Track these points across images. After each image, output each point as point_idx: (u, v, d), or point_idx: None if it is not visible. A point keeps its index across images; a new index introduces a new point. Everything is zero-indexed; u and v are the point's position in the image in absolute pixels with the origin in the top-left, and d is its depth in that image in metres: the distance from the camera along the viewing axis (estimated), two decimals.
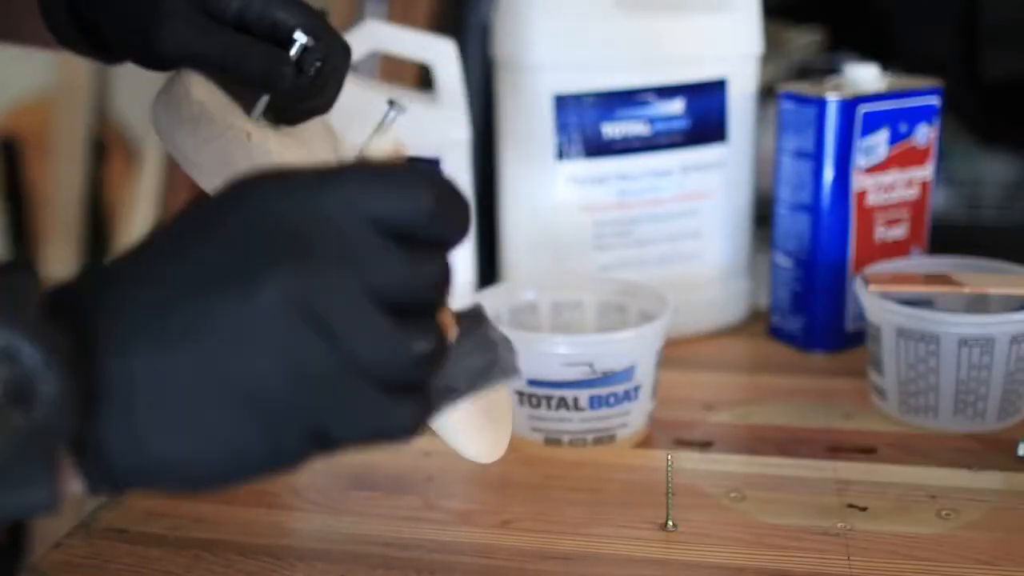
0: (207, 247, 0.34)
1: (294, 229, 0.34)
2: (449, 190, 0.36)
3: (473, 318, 0.46)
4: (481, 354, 0.45)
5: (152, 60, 0.55)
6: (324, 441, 0.34)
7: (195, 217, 0.35)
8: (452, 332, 0.44)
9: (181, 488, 0.36)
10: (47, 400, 0.31)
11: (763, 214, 0.89)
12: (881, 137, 0.80)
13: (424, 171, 0.36)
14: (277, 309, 0.33)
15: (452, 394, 0.42)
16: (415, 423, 0.35)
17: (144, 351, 0.33)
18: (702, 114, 0.83)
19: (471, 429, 0.49)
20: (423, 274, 0.35)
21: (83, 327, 0.33)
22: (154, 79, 0.56)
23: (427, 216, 0.35)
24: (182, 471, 0.34)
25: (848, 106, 0.79)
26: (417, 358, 0.34)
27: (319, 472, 0.68)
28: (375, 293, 0.34)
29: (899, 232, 0.84)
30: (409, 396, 0.35)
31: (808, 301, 0.83)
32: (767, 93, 0.94)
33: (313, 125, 0.58)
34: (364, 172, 0.35)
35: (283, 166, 0.36)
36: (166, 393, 0.33)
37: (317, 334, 0.33)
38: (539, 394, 0.67)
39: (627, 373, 0.67)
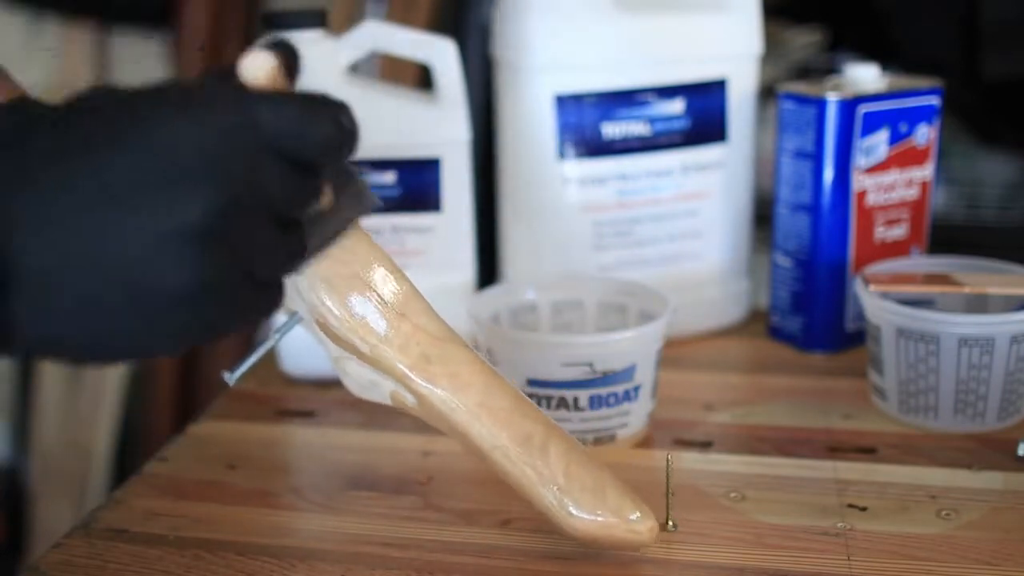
0: (121, 160, 0.36)
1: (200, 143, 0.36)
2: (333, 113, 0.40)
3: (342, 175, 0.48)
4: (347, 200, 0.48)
5: None
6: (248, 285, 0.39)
7: (106, 125, 0.37)
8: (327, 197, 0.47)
9: (92, 358, 0.39)
10: None
11: (763, 214, 0.89)
12: (881, 137, 0.80)
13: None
14: (196, 220, 0.36)
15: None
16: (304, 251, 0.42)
17: (58, 241, 0.36)
18: (702, 114, 0.83)
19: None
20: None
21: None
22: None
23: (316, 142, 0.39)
24: (91, 345, 0.38)
25: (848, 106, 0.79)
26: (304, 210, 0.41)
27: (319, 472, 0.69)
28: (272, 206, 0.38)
29: (899, 232, 0.84)
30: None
31: (808, 301, 0.83)
32: (767, 93, 0.94)
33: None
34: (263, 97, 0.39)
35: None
36: (81, 277, 0.36)
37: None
38: (539, 394, 0.67)
39: (627, 373, 0.67)
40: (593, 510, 0.54)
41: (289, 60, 0.41)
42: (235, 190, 0.36)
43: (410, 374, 0.53)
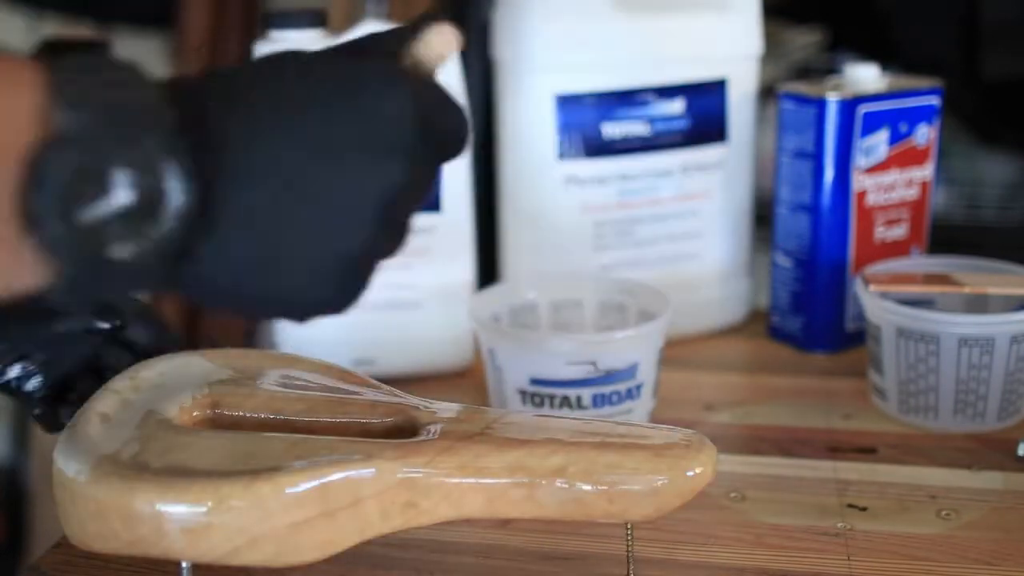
0: (338, 122, 0.38)
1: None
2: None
3: None
4: None
5: None
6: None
7: (318, 87, 0.39)
8: None
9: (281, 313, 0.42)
10: (173, 215, 0.35)
11: (763, 214, 0.89)
12: (881, 137, 0.80)
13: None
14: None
15: None
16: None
17: (264, 188, 0.37)
18: (702, 114, 0.83)
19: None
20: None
21: (210, 155, 0.37)
22: None
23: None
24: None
25: (848, 106, 0.79)
26: None
27: None
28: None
29: (899, 232, 0.84)
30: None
31: (808, 301, 0.83)
32: (767, 93, 0.94)
33: None
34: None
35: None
36: (277, 229, 0.38)
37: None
38: (542, 393, 0.67)
39: (630, 371, 0.67)
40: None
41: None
42: (415, 170, 0.39)
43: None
